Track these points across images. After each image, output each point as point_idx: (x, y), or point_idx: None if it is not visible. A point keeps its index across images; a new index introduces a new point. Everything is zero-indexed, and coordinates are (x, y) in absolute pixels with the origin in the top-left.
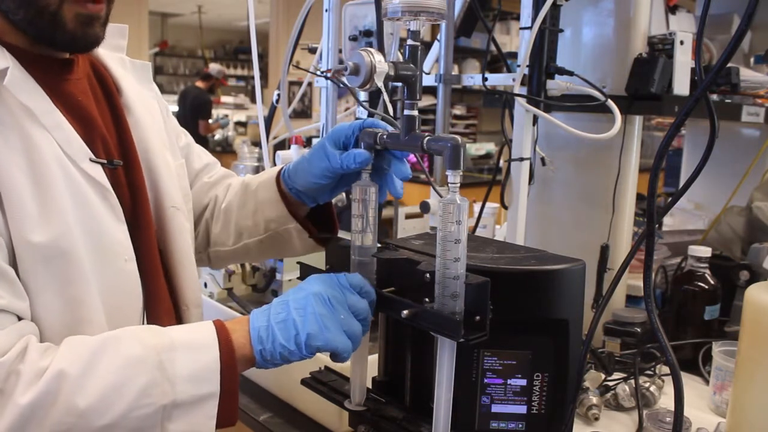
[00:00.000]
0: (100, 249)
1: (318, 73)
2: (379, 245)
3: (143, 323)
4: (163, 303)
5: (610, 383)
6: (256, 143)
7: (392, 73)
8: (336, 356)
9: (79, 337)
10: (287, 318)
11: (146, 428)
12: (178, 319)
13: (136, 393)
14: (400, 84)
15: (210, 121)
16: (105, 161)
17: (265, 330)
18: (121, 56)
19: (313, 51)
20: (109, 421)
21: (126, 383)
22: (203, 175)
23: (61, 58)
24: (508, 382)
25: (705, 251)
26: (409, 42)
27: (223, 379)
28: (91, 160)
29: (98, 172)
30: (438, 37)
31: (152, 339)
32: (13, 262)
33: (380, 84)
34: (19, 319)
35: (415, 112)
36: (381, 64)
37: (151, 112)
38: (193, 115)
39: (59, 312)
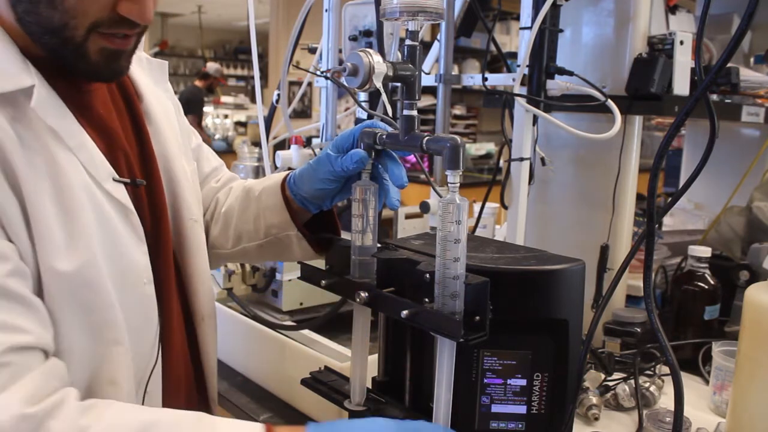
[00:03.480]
0: (122, 273)
1: (318, 73)
2: (379, 245)
3: (158, 341)
4: (175, 318)
5: (610, 383)
6: (256, 143)
7: (391, 73)
8: None
9: (119, 409)
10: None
11: None
12: (192, 330)
13: None
14: (399, 84)
15: (202, 124)
16: (128, 180)
17: None
18: (139, 54)
19: (313, 51)
20: None
21: None
22: (211, 179)
23: None
24: (508, 382)
25: (705, 251)
26: (408, 42)
27: None
28: (114, 179)
29: (121, 193)
30: (438, 37)
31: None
32: (39, 291)
33: (379, 85)
34: (46, 354)
35: (414, 112)
36: (379, 65)
37: (168, 116)
38: (183, 110)
39: (84, 339)
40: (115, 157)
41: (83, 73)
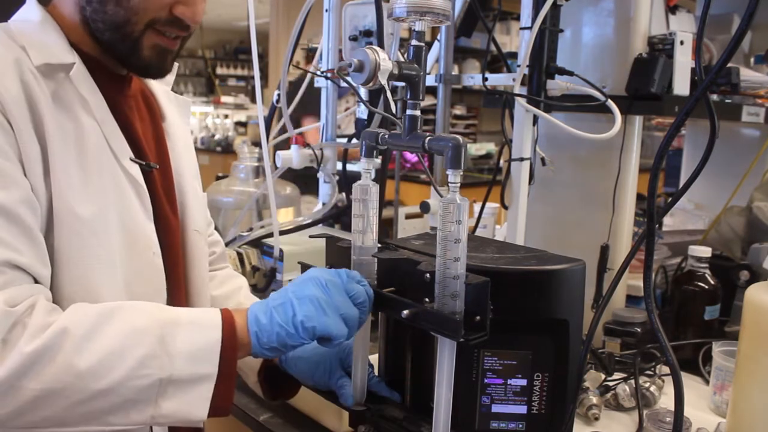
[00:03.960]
0: (131, 236)
1: (318, 73)
2: (379, 245)
3: None
4: (180, 302)
5: (610, 383)
6: (256, 143)
7: (396, 72)
8: (330, 341)
9: (88, 303)
10: (284, 302)
11: (141, 401)
12: None
13: (135, 362)
14: (401, 84)
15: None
16: (143, 162)
17: (263, 314)
18: (167, 89)
19: (312, 51)
20: (106, 386)
21: (126, 351)
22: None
23: (119, 74)
24: (508, 382)
25: (705, 251)
26: (414, 42)
27: (222, 362)
28: (131, 159)
29: (136, 172)
30: (438, 37)
31: (158, 313)
32: (47, 233)
33: (384, 82)
34: (35, 282)
35: (418, 112)
36: (385, 62)
37: (186, 143)
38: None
39: (80, 287)
40: (135, 150)
41: (134, 67)
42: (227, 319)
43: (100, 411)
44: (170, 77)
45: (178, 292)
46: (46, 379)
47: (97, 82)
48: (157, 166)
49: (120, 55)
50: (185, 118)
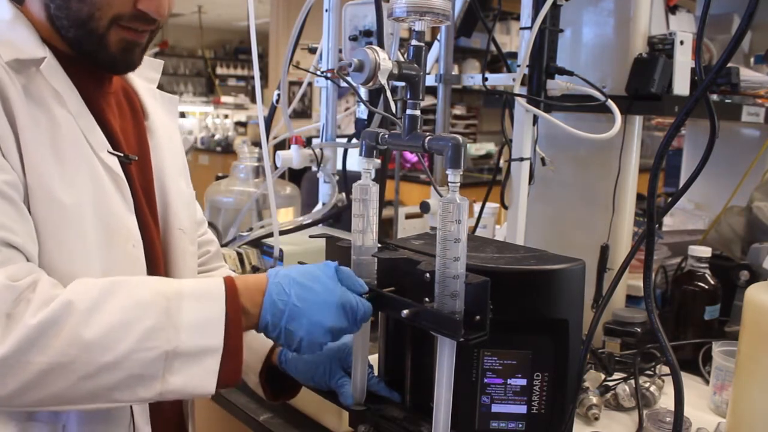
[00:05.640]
0: (109, 228)
1: (318, 73)
2: (379, 245)
3: None
4: None
5: (610, 383)
6: (256, 143)
7: (396, 71)
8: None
9: (91, 278)
10: (298, 324)
11: (148, 376)
12: None
13: (141, 334)
14: (401, 84)
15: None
16: (121, 154)
17: (273, 324)
18: (152, 87)
19: (313, 51)
20: (112, 358)
21: (132, 323)
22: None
23: (96, 70)
24: (508, 382)
25: (705, 251)
26: (414, 42)
27: (227, 333)
28: (108, 151)
29: (114, 164)
30: (438, 37)
31: (162, 286)
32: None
33: (384, 81)
34: (28, 261)
35: (418, 112)
36: (385, 62)
37: (172, 141)
38: None
39: (58, 273)
40: (113, 146)
41: (102, 63)
42: (231, 290)
43: (106, 387)
44: (155, 74)
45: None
46: (52, 352)
47: (73, 78)
48: (136, 158)
49: (87, 52)
50: (172, 115)
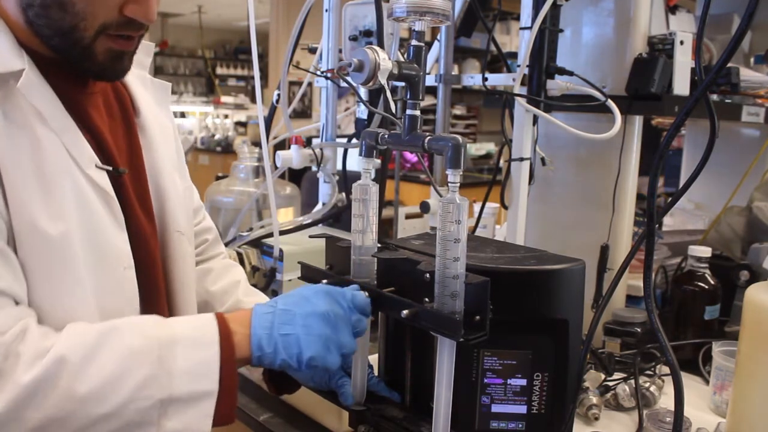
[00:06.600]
0: (99, 252)
1: (318, 73)
2: (379, 245)
3: None
4: (161, 313)
5: (610, 383)
6: (256, 143)
7: (396, 71)
8: (320, 369)
9: (82, 323)
10: (291, 334)
11: (144, 423)
12: None
13: (135, 384)
14: (401, 84)
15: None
16: (110, 168)
17: (267, 340)
18: (143, 74)
19: (313, 51)
20: (108, 410)
21: (126, 374)
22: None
23: (77, 72)
24: (508, 382)
25: (705, 251)
26: (413, 42)
27: (222, 377)
28: (97, 166)
29: (103, 179)
30: (438, 37)
31: (155, 331)
32: (13, 247)
33: (384, 82)
34: (17, 303)
35: (418, 112)
36: (385, 62)
37: (165, 133)
38: None
39: (49, 306)
40: (102, 155)
41: (89, 72)
42: (224, 332)
43: None
44: (146, 59)
45: (158, 299)
46: (47, 408)
47: (54, 84)
48: (126, 171)
49: (72, 60)
50: (164, 104)
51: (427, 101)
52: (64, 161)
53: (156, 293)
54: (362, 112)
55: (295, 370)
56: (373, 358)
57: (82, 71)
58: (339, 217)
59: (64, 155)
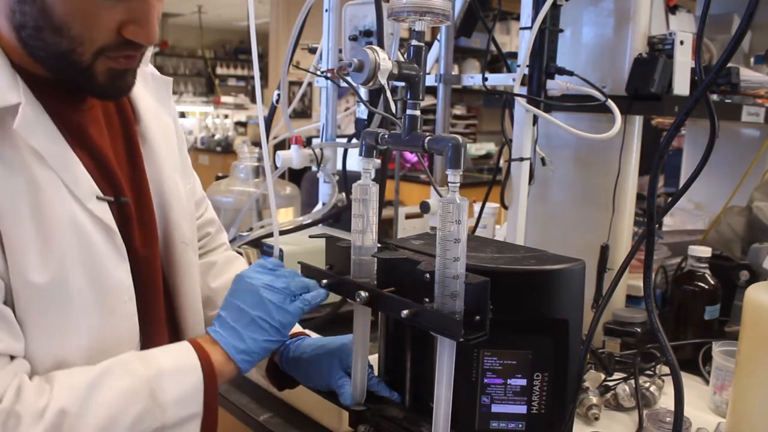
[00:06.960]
0: (99, 288)
1: (318, 73)
2: (378, 245)
3: None
4: (161, 340)
5: (610, 383)
6: (256, 143)
7: (396, 71)
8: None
9: (69, 371)
10: (251, 318)
11: None
12: None
13: (131, 422)
14: (401, 84)
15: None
16: (111, 198)
17: (239, 340)
18: (144, 70)
19: (313, 51)
20: None
21: (122, 414)
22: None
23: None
24: (508, 382)
25: (705, 251)
26: (414, 42)
27: (205, 399)
28: (98, 198)
29: (104, 212)
30: (438, 37)
31: (141, 369)
32: (11, 302)
33: (384, 82)
34: (12, 358)
35: (418, 112)
36: (385, 62)
37: (166, 136)
38: None
39: (46, 355)
40: (103, 177)
41: (89, 92)
42: (203, 357)
43: None
44: (147, 53)
45: (158, 326)
46: None
47: (50, 106)
48: (128, 201)
49: (71, 80)
50: (165, 101)
51: (427, 101)
52: (63, 199)
53: (156, 319)
54: (362, 112)
55: (278, 343)
56: (373, 358)
57: (83, 90)
58: (339, 217)
59: (63, 193)
